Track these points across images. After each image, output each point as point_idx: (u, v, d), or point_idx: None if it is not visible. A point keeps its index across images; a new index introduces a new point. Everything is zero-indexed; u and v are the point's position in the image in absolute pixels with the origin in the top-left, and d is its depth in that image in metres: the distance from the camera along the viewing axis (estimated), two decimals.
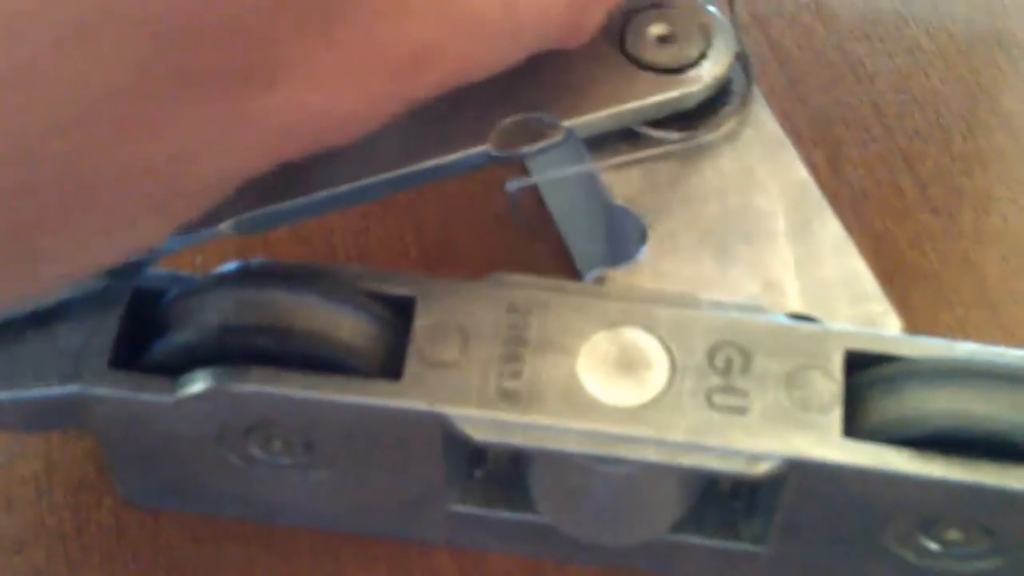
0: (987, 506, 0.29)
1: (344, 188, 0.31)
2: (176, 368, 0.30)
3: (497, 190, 0.35)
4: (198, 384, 0.29)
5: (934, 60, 0.41)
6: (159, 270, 0.31)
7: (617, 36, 0.33)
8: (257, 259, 0.31)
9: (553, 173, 0.35)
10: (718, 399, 0.29)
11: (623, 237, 0.33)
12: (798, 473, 0.29)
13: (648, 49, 0.33)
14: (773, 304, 0.31)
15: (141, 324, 0.31)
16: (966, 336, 0.36)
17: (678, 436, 0.29)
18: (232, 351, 0.29)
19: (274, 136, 0.26)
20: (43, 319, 0.31)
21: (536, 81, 0.32)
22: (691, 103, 0.33)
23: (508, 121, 0.32)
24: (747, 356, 0.29)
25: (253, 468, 0.31)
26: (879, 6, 0.42)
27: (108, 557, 0.33)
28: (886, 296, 0.32)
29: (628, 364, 0.29)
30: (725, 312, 0.30)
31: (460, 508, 0.32)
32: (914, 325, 0.32)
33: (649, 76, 0.33)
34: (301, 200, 0.31)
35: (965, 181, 0.39)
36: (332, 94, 0.26)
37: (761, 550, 0.31)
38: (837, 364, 0.29)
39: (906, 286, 0.36)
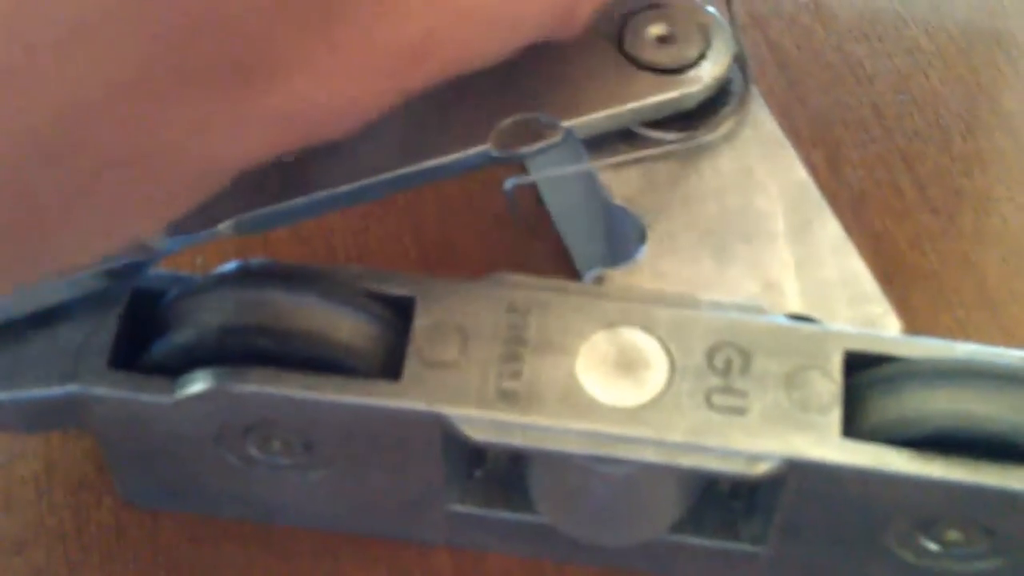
0: (987, 506, 0.29)
1: (344, 188, 0.31)
2: (176, 368, 0.30)
3: (496, 190, 0.35)
4: (197, 384, 0.29)
5: (933, 61, 0.41)
6: (159, 270, 0.31)
7: (616, 36, 0.33)
8: (257, 259, 0.31)
9: (552, 173, 0.35)
10: (717, 400, 0.29)
11: (622, 237, 0.33)
12: (797, 473, 0.29)
13: (647, 49, 0.33)
14: (772, 305, 0.31)
15: (141, 324, 0.31)
16: (966, 337, 0.36)
17: (677, 436, 0.29)
18: (232, 351, 0.29)
19: (273, 130, 0.26)
20: (43, 319, 0.31)
21: (535, 81, 0.32)
22: (690, 103, 0.33)
23: (507, 121, 0.32)
24: (746, 357, 0.29)
25: (252, 468, 0.31)
26: (878, 6, 0.42)
27: (108, 557, 0.33)
28: (885, 297, 0.32)
29: (627, 364, 0.29)
30: (724, 312, 0.30)
31: (459, 508, 0.32)
32: (914, 326, 0.32)
33: (648, 76, 0.33)
34: (301, 200, 0.31)
35: (965, 181, 0.39)
36: (331, 89, 0.26)
37: (760, 550, 0.31)
38: (836, 365, 0.29)
39: (906, 287, 0.36)
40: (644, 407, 0.29)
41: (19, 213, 0.25)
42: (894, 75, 0.41)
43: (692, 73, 0.33)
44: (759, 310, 0.30)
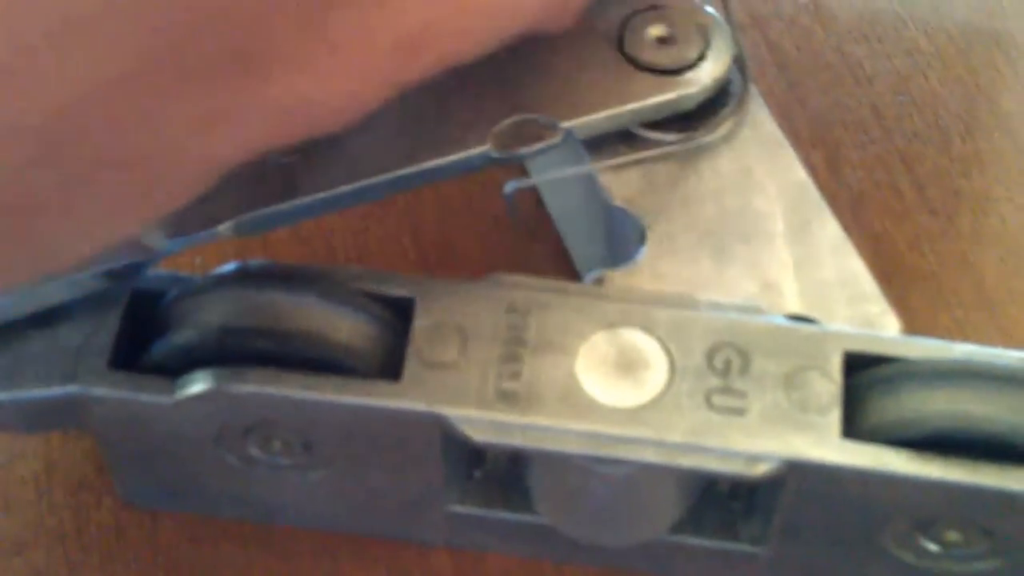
0: (986, 507, 0.29)
1: (343, 189, 0.31)
2: (175, 369, 0.30)
3: (496, 191, 0.35)
4: (197, 385, 0.29)
5: (933, 62, 0.41)
6: (159, 271, 0.31)
7: (616, 37, 0.33)
8: (256, 260, 0.31)
9: (552, 174, 0.35)
10: (717, 400, 0.29)
11: (622, 238, 0.33)
12: (797, 474, 0.29)
13: (647, 50, 0.33)
14: (772, 305, 0.31)
15: (141, 325, 0.31)
16: (964, 337, 0.36)
17: (677, 437, 0.29)
18: (231, 352, 0.29)
19: (272, 121, 0.26)
20: (43, 319, 0.31)
21: (535, 82, 0.32)
22: (690, 104, 0.33)
23: (507, 122, 0.32)
24: (746, 357, 0.29)
25: (252, 469, 0.32)
26: (877, 7, 0.42)
27: (108, 557, 0.33)
28: (885, 297, 0.32)
29: (627, 365, 0.29)
30: (724, 313, 0.30)
31: (459, 508, 0.32)
32: (913, 326, 0.32)
33: (648, 77, 0.33)
34: (300, 201, 0.31)
35: (963, 182, 0.39)
36: (329, 82, 0.26)
37: (760, 551, 0.31)
38: (836, 365, 0.29)
39: (905, 287, 0.36)
40: (644, 407, 0.29)
41: (16, 210, 0.25)
42: (893, 76, 0.41)
43: (691, 74, 0.33)
44: (758, 311, 0.30)
